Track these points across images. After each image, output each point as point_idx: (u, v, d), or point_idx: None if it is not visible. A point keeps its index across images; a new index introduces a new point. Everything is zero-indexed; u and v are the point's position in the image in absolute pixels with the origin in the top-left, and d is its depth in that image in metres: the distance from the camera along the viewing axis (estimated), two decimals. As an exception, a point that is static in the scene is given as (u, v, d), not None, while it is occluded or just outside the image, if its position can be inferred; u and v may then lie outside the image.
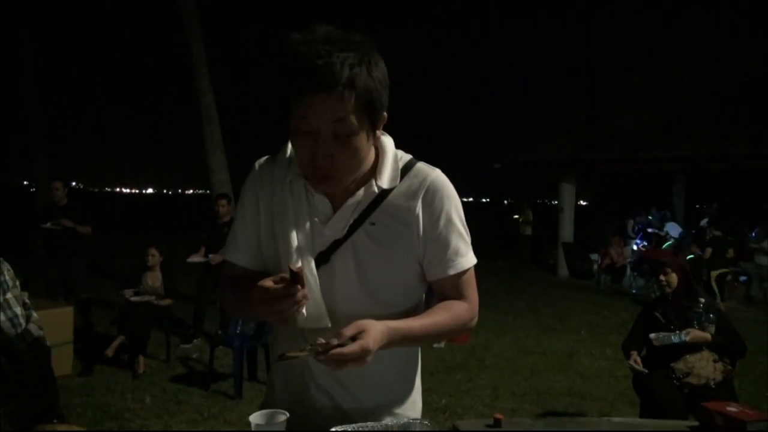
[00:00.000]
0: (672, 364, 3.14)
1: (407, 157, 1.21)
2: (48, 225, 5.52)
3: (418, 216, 1.15)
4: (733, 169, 10.30)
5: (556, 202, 12.41)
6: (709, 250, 8.28)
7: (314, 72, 0.96)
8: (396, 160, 1.18)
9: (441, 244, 1.17)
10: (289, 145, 1.19)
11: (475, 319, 1.25)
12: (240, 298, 1.13)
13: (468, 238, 1.21)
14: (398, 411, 1.26)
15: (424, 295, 1.27)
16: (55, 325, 4.55)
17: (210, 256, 5.73)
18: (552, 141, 13.48)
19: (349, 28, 1.04)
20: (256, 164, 1.23)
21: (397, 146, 1.21)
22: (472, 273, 1.23)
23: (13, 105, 12.15)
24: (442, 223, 1.16)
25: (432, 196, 1.16)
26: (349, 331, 0.99)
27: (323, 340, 0.98)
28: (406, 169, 1.18)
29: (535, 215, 14.21)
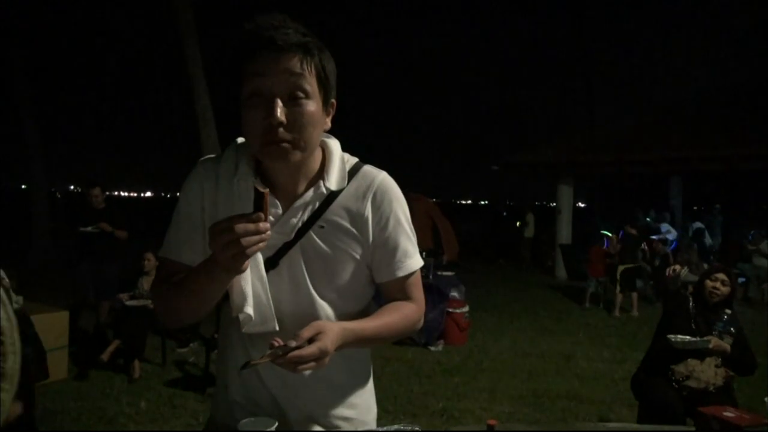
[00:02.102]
0: (672, 367, 3.09)
1: (353, 159, 1.20)
2: (88, 228, 5.59)
3: (367, 218, 1.15)
4: (731, 170, 10.32)
5: (554, 204, 12.42)
6: (619, 246, 8.47)
7: (270, 33, 0.99)
8: (343, 161, 1.17)
9: (390, 247, 1.17)
10: (238, 140, 1.17)
11: (422, 320, 1.25)
12: (185, 278, 1.05)
13: (414, 240, 1.21)
14: (351, 415, 1.24)
15: (372, 297, 1.27)
16: (51, 329, 4.53)
17: None
18: (550, 143, 13.50)
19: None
20: (200, 163, 1.19)
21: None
22: (418, 274, 1.23)
23: (8, 109, 12.13)
24: (391, 225, 1.16)
25: (381, 199, 1.16)
26: (306, 332, 0.97)
27: (281, 341, 0.96)
28: (353, 171, 1.17)
29: (534, 217, 14.22)
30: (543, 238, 13.56)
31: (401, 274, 1.18)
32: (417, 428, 1.18)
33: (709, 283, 3.21)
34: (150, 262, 5.32)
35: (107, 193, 6.12)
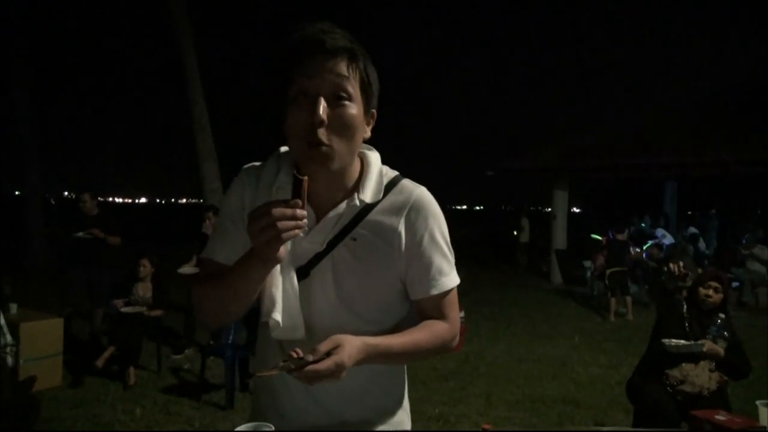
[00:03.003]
0: (667, 371, 3.11)
1: (393, 173, 1.19)
2: (80, 234, 5.59)
3: (400, 234, 1.13)
4: (726, 175, 10.37)
5: (549, 209, 12.45)
6: (605, 252, 8.61)
7: (320, 37, 1.01)
8: (381, 174, 1.16)
9: (424, 264, 1.15)
10: (282, 149, 1.18)
11: (456, 340, 1.22)
12: (225, 273, 1.07)
13: (452, 258, 1.19)
14: (382, 429, 1.23)
15: (407, 313, 1.24)
16: (45, 336, 4.53)
17: None
18: (545, 148, 13.54)
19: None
20: (244, 169, 1.21)
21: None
22: (455, 293, 1.20)
23: (5, 115, 12.11)
24: (425, 241, 1.14)
25: (416, 214, 1.14)
26: (324, 346, 0.97)
27: (300, 352, 0.96)
28: (391, 185, 1.16)
29: (530, 223, 14.26)
30: (539, 243, 13.60)
31: (435, 291, 1.15)
32: (412, 433, 1.19)
33: (702, 290, 3.24)
34: (145, 268, 5.30)
35: (101, 199, 6.10)
